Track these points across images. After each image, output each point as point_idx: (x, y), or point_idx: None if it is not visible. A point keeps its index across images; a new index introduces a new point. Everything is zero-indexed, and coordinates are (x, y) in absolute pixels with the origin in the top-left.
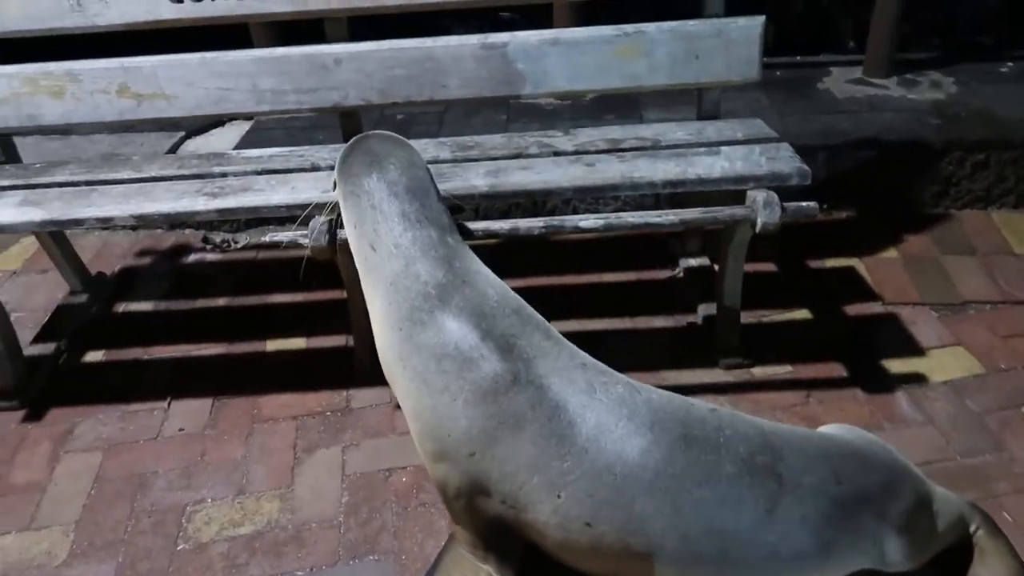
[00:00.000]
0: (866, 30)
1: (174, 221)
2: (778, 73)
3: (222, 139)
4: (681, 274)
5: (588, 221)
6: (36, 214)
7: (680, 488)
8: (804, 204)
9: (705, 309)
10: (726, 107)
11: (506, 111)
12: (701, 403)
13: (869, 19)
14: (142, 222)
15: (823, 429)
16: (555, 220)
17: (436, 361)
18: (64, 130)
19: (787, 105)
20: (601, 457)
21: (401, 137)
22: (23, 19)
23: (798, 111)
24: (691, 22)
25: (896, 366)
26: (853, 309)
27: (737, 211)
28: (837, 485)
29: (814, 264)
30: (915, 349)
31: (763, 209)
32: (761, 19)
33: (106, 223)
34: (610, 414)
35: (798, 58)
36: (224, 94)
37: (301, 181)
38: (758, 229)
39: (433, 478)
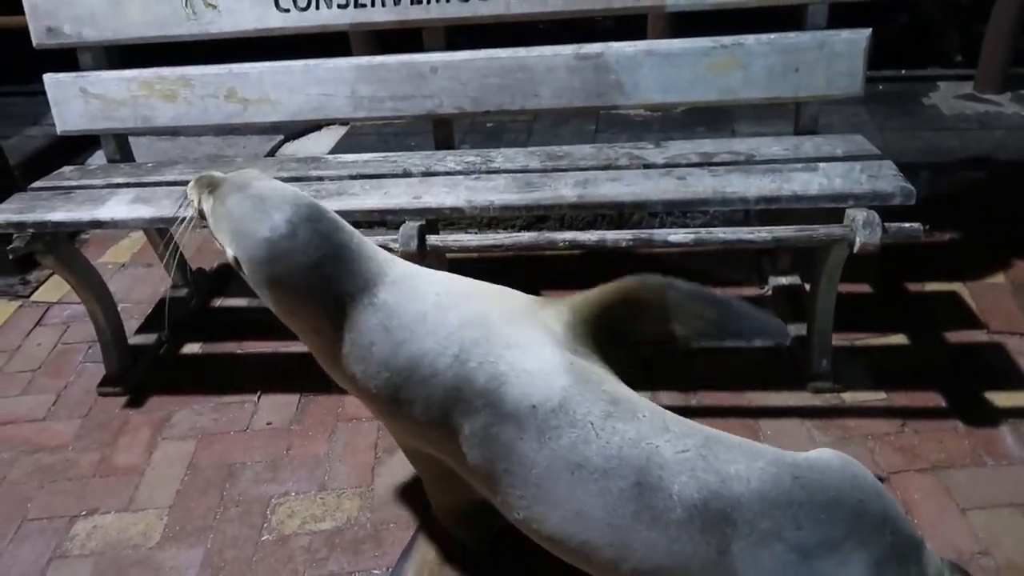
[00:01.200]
0: (976, 43)
1: None
2: (880, 87)
3: (318, 143)
4: (770, 292)
5: (678, 235)
6: (146, 211)
7: (629, 528)
8: (907, 225)
9: (795, 330)
10: (824, 121)
11: (595, 122)
12: (670, 447)
13: (980, 31)
14: None
15: (811, 454)
16: (643, 233)
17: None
18: (174, 131)
19: (889, 120)
20: (552, 495)
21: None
22: (142, 26)
23: (901, 127)
24: (791, 34)
25: (1000, 399)
26: (955, 336)
27: (835, 230)
28: (796, 531)
29: (914, 288)
30: (1022, 382)
31: (863, 229)
32: (867, 32)
33: None
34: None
35: (903, 72)
36: (324, 100)
37: (393, 187)
38: (856, 249)
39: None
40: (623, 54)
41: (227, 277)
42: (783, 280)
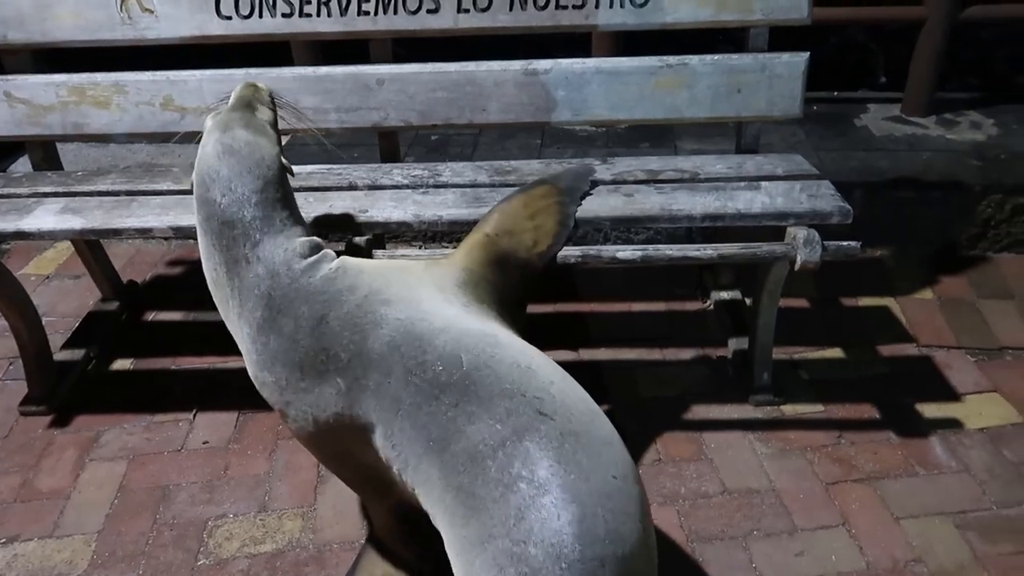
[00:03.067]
0: (901, 66)
1: None
2: (814, 107)
3: None
4: (712, 306)
5: (626, 252)
6: (76, 222)
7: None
8: (845, 243)
9: (736, 343)
10: (763, 140)
11: (540, 135)
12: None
13: (904, 55)
14: (180, 234)
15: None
16: (592, 249)
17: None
18: (104, 138)
19: (824, 141)
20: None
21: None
22: (75, 29)
23: (835, 147)
24: (734, 56)
25: (931, 411)
26: (887, 350)
27: (777, 248)
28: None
29: (848, 302)
30: (950, 394)
31: (803, 247)
32: (805, 56)
33: (145, 234)
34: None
35: (835, 93)
36: None
37: (339, 199)
38: (797, 267)
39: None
40: (571, 71)
41: (161, 290)
42: (724, 295)
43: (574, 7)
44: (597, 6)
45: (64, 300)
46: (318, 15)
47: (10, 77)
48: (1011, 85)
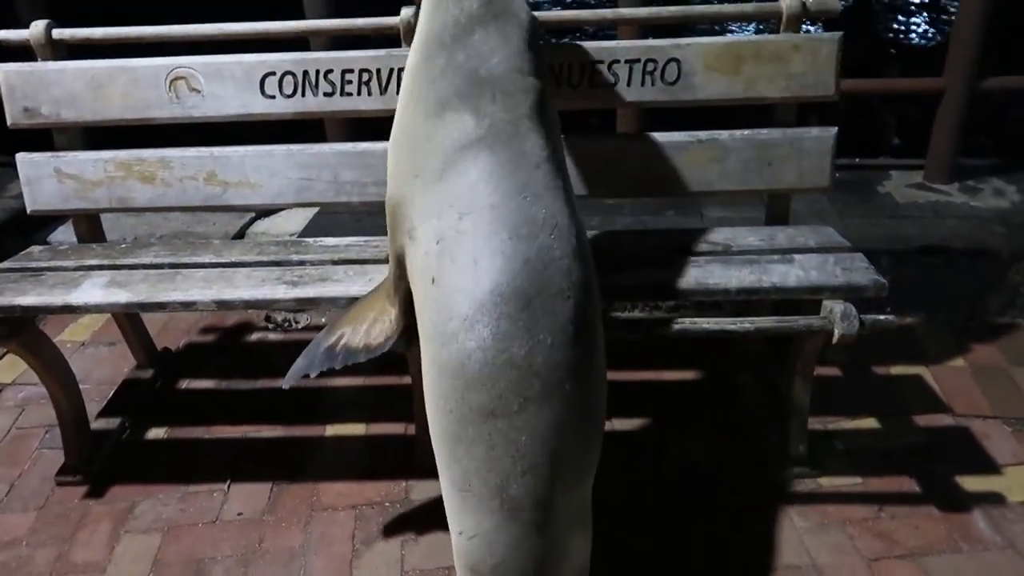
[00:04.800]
0: (914, 130)
1: (254, 307)
2: (837, 174)
3: (289, 221)
4: (744, 375)
5: (661, 326)
6: (122, 296)
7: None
8: (882, 317)
9: (769, 415)
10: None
11: None
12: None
13: (915, 118)
14: (224, 307)
15: None
16: (627, 319)
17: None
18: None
19: (849, 208)
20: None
21: None
22: (124, 108)
23: (861, 214)
24: (764, 131)
25: (971, 483)
26: (923, 420)
27: (814, 322)
28: None
29: (880, 371)
30: (990, 465)
31: (841, 321)
32: (834, 131)
33: (189, 307)
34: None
35: (856, 160)
36: (306, 184)
37: (377, 272)
38: (835, 341)
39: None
40: (601, 146)
41: (194, 358)
42: (756, 364)
43: (606, 85)
44: (629, 84)
45: (99, 367)
46: (358, 94)
47: (60, 154)
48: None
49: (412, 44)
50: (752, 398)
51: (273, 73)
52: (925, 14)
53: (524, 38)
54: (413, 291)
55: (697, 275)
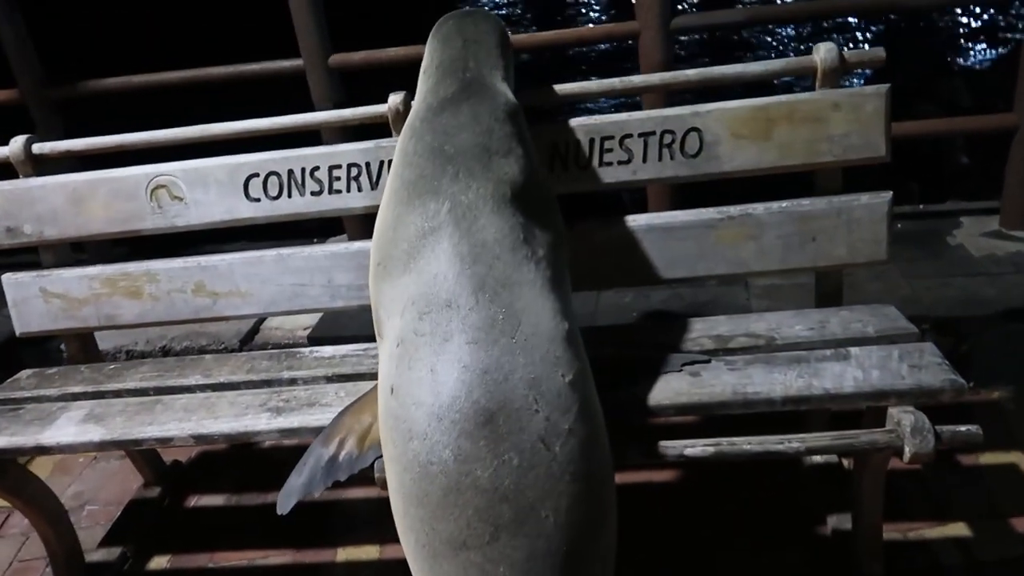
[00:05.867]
0: (990, 170)
1: (234, 441)
2: (899, 225)
3: (300, 316)
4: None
5: (695, 449)
6: (96, 433)
7: None
8: (963, 428)
9: (836, 521)
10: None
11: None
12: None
13: (979, 155)
14: (202, 441)
15: None
16: (656, 445)
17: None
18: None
19: (915, 265)
20: None
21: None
22: (106, 222)
23: (928, 273)
24: (805, 201)
25: None
26: (1019, 523)
27: (878, 437)
28: None
29: (966, 460)
30: None
31: (912, 437)
32: (888, 195)
33: (165, 443)
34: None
35: (921, 207)
36: (299, 290)
37: (369, 386)
38: (906, 459)
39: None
40: (619, 232)
41: (205, 469)
42: (818, 459)
43: (619, 163)
44: (645, 159)
45: (108, 485)
46: (348, 190)
47: (45, 273)
48: None
49: None
50: (814, 498)
51: (257, 174)
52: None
53: (498, 116)
54: (378, 398)
55: (733, 382)
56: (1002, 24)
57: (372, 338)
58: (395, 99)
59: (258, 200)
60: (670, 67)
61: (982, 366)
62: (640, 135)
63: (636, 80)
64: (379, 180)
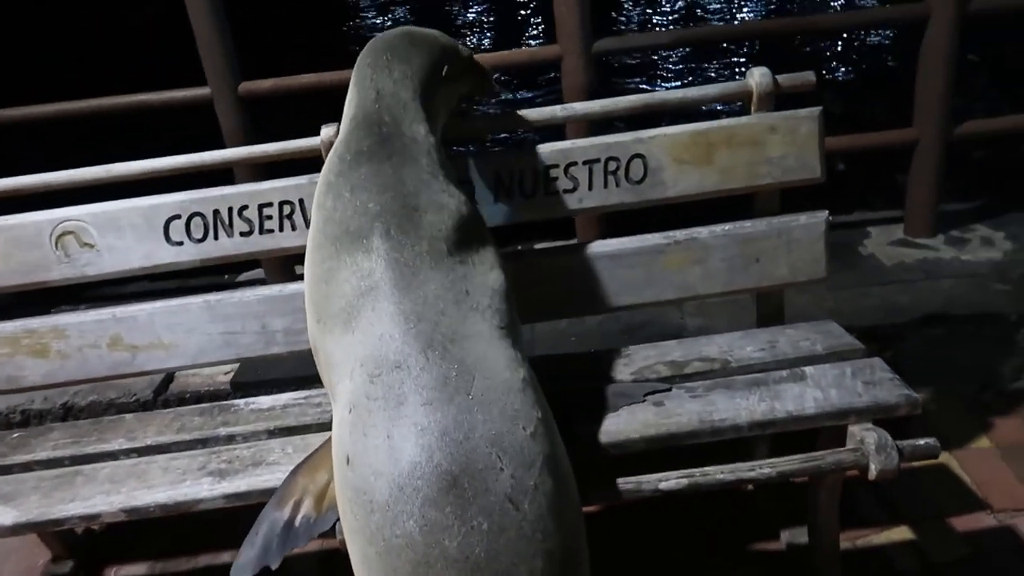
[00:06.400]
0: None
1: (174, 512)
2: None
3: None
4: (751, 487)
5: (669, 482)
6: (8, 515)
7: None
8: (922, 442)
9: (791, 536)
10: None
11: None
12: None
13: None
14: (135, 515)
15: None
16: (629, 482)
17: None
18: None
19: (834, 278)
20: None
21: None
22: (6, 274)
23: (848, 284)
24: (747, 223)
25: None
26: (960, 523)
27: (844, 457)
28: None
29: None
30: None
31: (877, 454)
32: (824, 215)
33: (92, 520)
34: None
35: (830, 218)
36: (230, 338)
37: (320, 440)
38: (873, 477)
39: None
40: (571, 259)
41: (126, 531)
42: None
43: (565, 191)
44: (591, 187)
45: (10, 560)
46: (280, 230)
47: None
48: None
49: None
50: (764, 514)
51: (178, 216)
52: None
53: (421, 176)
54: (333, 466)
55: (698, 409)
56: (865, 40)
57: (305, 381)
58: (328, 131)
59: (180, 244)
60: (594, 92)
61: (904, 372)
62: (585, 162)
63: (577, 108)
64: None
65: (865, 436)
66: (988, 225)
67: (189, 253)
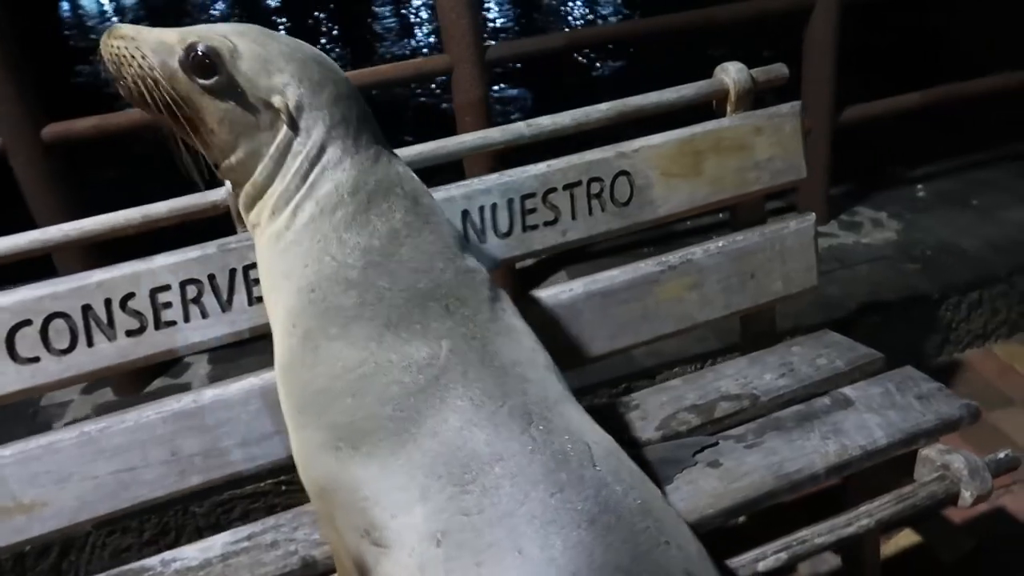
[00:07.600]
0: None
1: None
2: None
3: None
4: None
5: (768, 559)
6: None
7: None
8: (1002, 455)
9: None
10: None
11: None
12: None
13: None
14: None
15: None
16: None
17: None
18: None
19: None
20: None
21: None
22: None
23: None
24: (739, 235)
25: None
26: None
27: (937, 489)
28: None
29: None
30: None
31: (971, 479)
32: (812, 218)
33: None
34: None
35: (720, 215)
36: (126, 477)
37: None
38: (966, 504)
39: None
40: (558, 302)
41: None
42: None
43: (546, 224)
44: (574, 216)
45: None
46: (187, 320)
47: None
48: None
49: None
50: None
51: (28, 322)
52: None
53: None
54: None
55: (763, 463)
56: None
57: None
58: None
59: (36, 360)
60: (488, 102)
61: None
62: (565, 187)
63: (544, 122)
64: (231, 299)
65: (949, 461)
66: (868, 206)
67: (49, 372)
